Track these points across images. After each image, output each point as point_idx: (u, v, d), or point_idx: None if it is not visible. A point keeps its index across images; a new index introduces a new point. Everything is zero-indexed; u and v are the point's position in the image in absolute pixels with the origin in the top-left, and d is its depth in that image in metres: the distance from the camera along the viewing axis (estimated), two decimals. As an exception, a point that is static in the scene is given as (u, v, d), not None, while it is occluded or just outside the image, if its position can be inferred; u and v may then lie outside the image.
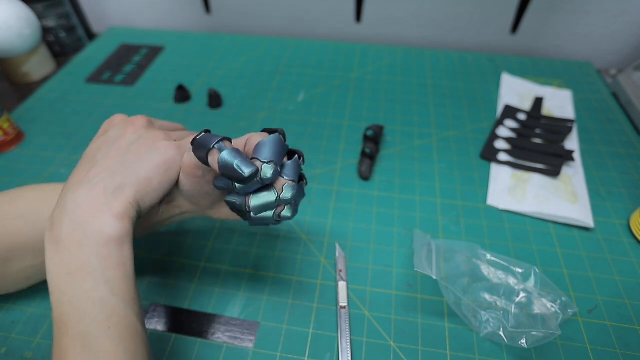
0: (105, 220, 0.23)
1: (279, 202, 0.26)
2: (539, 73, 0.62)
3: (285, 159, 0.27)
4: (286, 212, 0.27)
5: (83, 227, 0.23)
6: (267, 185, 0.26)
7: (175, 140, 0.28)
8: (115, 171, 0.25)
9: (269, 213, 0.27)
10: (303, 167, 0.29)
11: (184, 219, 0.33)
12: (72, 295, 0.22)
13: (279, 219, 0.27)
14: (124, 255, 0.24)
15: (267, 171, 0.24)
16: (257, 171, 0.24)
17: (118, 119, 0.29)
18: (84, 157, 0.27)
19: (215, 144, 0.24)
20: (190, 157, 0.26)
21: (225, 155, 0.23)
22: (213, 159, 0.24)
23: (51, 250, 0.23)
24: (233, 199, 0.26)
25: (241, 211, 0.28)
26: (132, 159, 0.26)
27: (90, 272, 0.23)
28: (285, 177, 0.26)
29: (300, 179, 0.29)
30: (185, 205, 0.30)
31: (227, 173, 0.23)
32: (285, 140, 0.27)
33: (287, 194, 0.25)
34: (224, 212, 0.31)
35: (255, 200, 0.26)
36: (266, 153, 0.25)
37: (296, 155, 0.27)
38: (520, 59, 0.65)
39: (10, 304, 0.35)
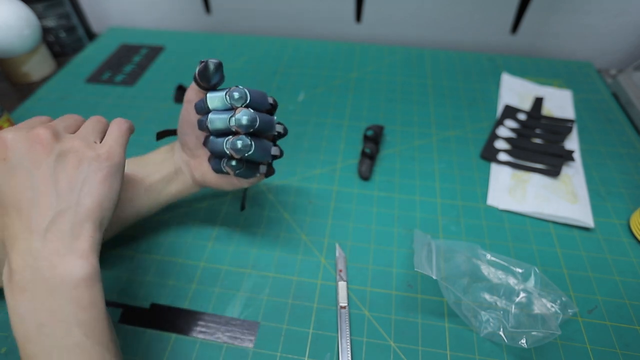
0: (72, 263, 0.22)
1: (234, 125, 0.28)
2: (539, 73, 0.62)
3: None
4: (236, 141, 0.28)
5: (49, 273, 0.22)
6: (232, 110, 0.29)
7: (94, 142, 0.26)
8: (59, 210, 0.23)
9: (223, 141, 0.29)
10: (281, 130, 0.31)
11: (170, 202, 0.35)
12: (46, 345, 0.21)
13: (229, 150, 0.29)
14: (95, 295, 0.23)
15: (235, 92, 0.28)
16: (220, 63, 0.28)
17: (13, 140, 0.23)
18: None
19: (209, 59, 0.28)
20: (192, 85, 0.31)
21: (210, 61, 0.28)
22: (199, 66, 0.28)
23: (16, 300, 0.22)
24: (202, 117, 0.30)
25: (206, 137, 0.31)
26: (68, 188, 0.24)
27: (62, 318, 0.22)
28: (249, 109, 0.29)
29: (273, 142, 0.32)
30: (177, 159, 0.34)
31: (200, 67, 0.28)
32: (275, 105, 0.31)
33: (242, 115, 0.28)
34: (204, 166, 0.34)
35: (215, 115, 0.29)
36: (247, 89, 0.29)
37: (271, 100, 0.30)
38: (520, 59, 0.65)
39: (10, 304, 0.35)
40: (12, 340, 0.33)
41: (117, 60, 0.65)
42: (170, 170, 0.35)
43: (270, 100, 0.30)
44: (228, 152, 0.29)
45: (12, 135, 0.23)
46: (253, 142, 0.29)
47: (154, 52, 0.66)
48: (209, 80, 0.29)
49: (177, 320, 0.34)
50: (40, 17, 0.63)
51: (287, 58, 0.65)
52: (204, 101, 0.29)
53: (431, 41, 0.71)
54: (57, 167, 0.24)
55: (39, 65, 0.61)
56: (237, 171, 0.30)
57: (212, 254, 0.39)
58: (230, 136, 0.29)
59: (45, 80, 0.62)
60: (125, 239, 0.40)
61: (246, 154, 0.29)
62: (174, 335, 0.33)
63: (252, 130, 0.28)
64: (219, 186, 0.34)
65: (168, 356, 0.32)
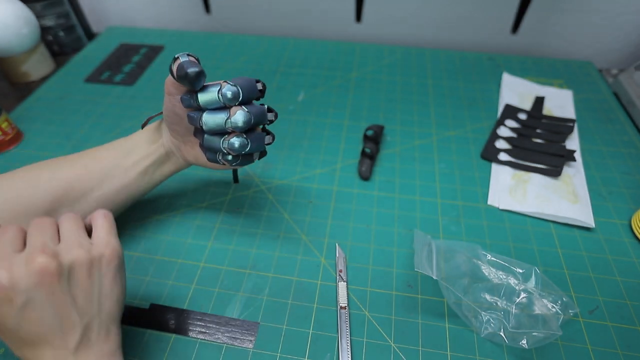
0: None
1: (230, 127, 0.28)
2: (539, 73, 0.62)
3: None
4: (234, 141, 0.28)
5: None
6: (224, 108, 0.28)
7: (89, 243, 0.25)
8: (85, 325, 0.24)
9: (219, 139, 0.29)
10: (272, 118, 0.31)
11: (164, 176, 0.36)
12: None
13: (226, 149, 0.29)
14: None
15: (228, 92, 0.28)
16: (202, 72, 0.27)
17: (16, 280, 0.22)
18: (17, 340, 0.23)
19: (180, 55, 0.27)
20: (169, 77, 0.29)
21: (181, 58, 0.27)
22: (174, 65, 0.27)
23: None
24: (192, 114, 0.29)
25: (197, 129, 0.31)
26: (86, 301, 0.24)
27: None
28: (243, 108, 0.28)
29: (267, 133, 0.32)
30: (166, 141, 0.34)
31: (179, 73, 0.27)
32: (264, 90, 0.30)
33: (238, 117, 0.28)
34: (196, 150, 0.34)
35: (208, 115, 0.28)
36: (236, 80, 0.28)
37: (260, 85, 0.30)
38: (521, 58, 0.65)
39: (9, 304, 0.35)
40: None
41: (116, 60, 0.64)
42: (162, 152, 0.35)
43: (260, 86, 0.30)
44: (225, 150, 0.29)
45: (8, 275, 0.22)
46: (249, 139, 0.29)
47: (154, 51, 0.66)
48: (193, 87, 0.28)
49: (177, 320, 0.34)
50: (38, 16, 0.62)
51: (287, 58, 0.65)
52: (193, 99, 0.29)
53: (431, 41, 0.71)
54: (70, 286, 0.23)
55: (37, 65, 0.61)
56: (234, 163, 0.31)
57: (212, 254, 0.38)
58: (226, 135, 0.29)
59: (44, 79, 0.62)
60: (126, 239, 0.40)
61: (244, 152, 0.29)
62: (173, 336, 0.33)
63: (247, 128, 0.29)
64: (212, 167, 0.35)
65: (167, 357, 0.32)
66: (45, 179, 0.32)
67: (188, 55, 0.28)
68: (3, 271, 0.22)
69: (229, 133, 0.29)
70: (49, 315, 0.23)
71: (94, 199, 0.33)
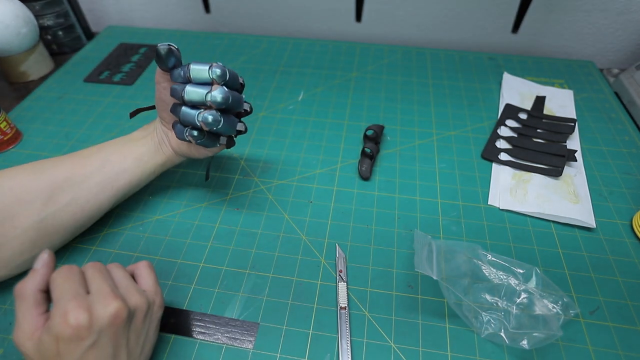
0: None
1: (209, 100, 0.30)
2: (540, 72, 0.61)
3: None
4: (207, 115, 0.30)
5: None
6: (207, 85, 0.31)
7: (142, 290, 0.28)
8: None
9: (194, 113, 0.31)
10: (247, 108, 0.35)
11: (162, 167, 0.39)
12: None
13: (200, 122, 0.31)
14: None
15: (217, 69, 0.30)
16: (171, 49, 0.30)
17: (96, 323, 0.23)
18: None
19: (160, 44, 0.31)
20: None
21: (160, 45, 0.30)
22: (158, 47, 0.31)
23: None
24: (177, 86, 0.32)
25: (176, 104, 0.33)
26: (135, 343, 0.26)
27: None
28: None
29: (238, 119, 0.35)
30: (158, 129, 0.37)
31: (155, 55, 0.31)
32: (243, 85, 0.34)
33: (217, 93, 0.30)
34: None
35: (191, 88, 0.31)
36: (227, 68, 0.31)
37: (241, 80, 0.34)
38: (522, 58, 0.64)
39: (8, 305, 0.35)
40: (9, 342, 0.32)
41: (115, 60, 0.64)
42: (155, 141, 0.38)
43: (241, 80, 0.34)
44: (199, 124, 0.31)
45: (89, 316, 0.23)
46: (222, 118, 0.31)
47: (153, 51, 0.66)
48: (166, 64, 0.31)
49: (177, 320, 0.34)
50: (37, 15, 0.62)
51: (287, 58, 0.65)
52: (185, 71, 0.31)
53: (431, 40, 0.71)
54: (129, 329, 0.26)
55: (36, 64, 0.61)
56: (199, 141, 0.33)
57: (212, 254, 0.38)
58: (202, 109, 0.31)
59: (43, 79, 0.62)
60: (126, 239, 0.40)
61: (215, 128, 0.31)
62: (173, 336, 0.33)
63: (223, 107, 0.31)
64: (191, 154, 0.37)
65: (167, 356, 0.31)
66: (48, 166, 0.34)
67: (168, 44, 0.31)
68: (83, 311, 0.23)
69: (206, 109, 0.32)
70: (106, 356, 0.24)
71: (95, 183, 0.35)
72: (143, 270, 0.30)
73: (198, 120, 0.31)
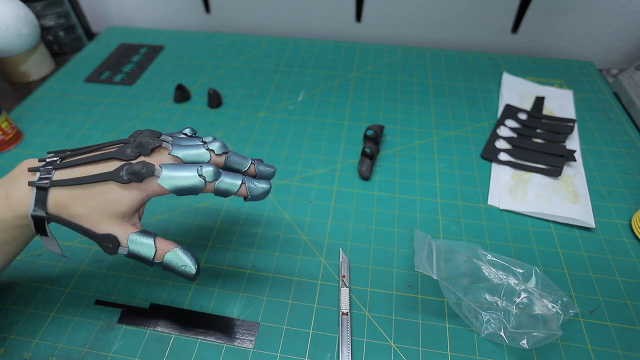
0: None
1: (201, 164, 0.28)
2: (540, 72, 0.61)
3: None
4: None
5: None
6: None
7: None
8: None
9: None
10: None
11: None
12: None
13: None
14: None
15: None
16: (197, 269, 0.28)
17: None
18: None
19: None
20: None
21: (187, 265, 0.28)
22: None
23: None
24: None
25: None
26: None
27: None
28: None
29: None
30: None
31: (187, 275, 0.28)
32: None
33: (208, 169, 0.28)
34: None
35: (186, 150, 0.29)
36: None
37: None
38: (521, 58, 0.65)
39: (9, 304, 0.35)
40: (11, 341, 0.32)
41: (116, 60, 0.64)
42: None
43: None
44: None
45: None
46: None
47: (154, 51, 0.66)
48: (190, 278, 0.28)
49: (177, 320, 0.34)
50: (38, 16, 0.62)
51: (287, 58, 0.65)
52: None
53: (431, 40, 0.71)
54: None
55: (37, 65, 0.61)
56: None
57: (212, 254, 0.38)
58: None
59: (44, 79, 0.62)
60: (125, 239, 0.40)
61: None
62: (173, 336, 0.33)
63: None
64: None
65: (167, 356, 0.32)
66: None
67: (197, 269, 0.28)
68: None
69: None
70: None
71: None
72: None
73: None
